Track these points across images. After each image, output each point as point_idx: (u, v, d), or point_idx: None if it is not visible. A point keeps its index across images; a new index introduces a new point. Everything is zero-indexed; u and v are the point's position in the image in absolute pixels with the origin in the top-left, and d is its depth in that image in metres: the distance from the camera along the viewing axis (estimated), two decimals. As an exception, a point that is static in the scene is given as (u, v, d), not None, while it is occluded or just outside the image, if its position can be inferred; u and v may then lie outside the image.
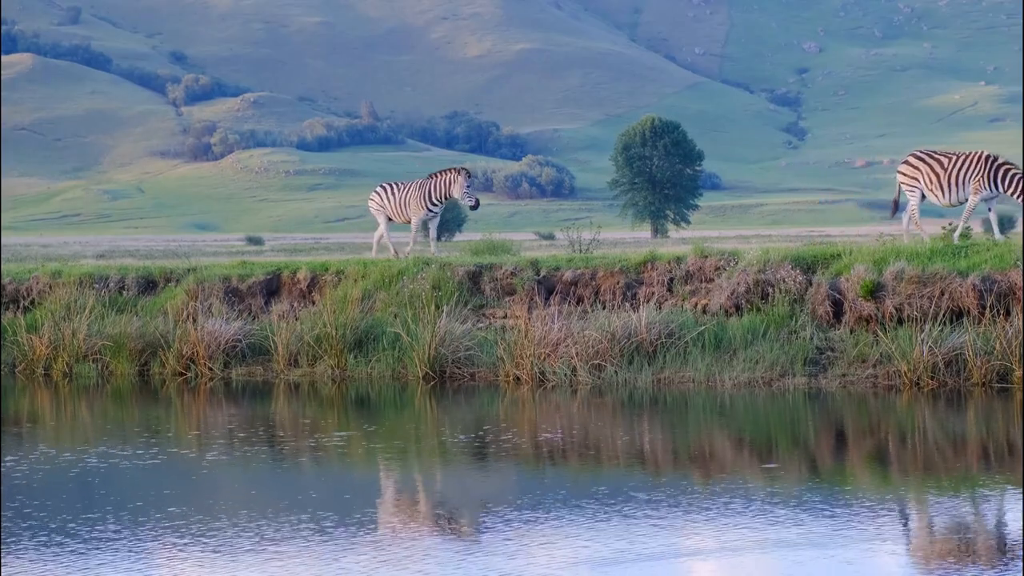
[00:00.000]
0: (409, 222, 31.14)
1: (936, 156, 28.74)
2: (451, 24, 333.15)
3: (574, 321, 26.56)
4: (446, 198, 30.78)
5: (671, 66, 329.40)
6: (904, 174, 29.03)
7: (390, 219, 31.28)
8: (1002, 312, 24.70)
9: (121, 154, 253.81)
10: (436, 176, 30.99)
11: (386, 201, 31.16)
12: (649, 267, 27.70)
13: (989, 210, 28.88)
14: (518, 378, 26.20)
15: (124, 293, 31.02)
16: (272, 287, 30.25)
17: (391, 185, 31.48)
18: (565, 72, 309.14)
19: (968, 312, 24.96)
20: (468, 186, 30.53)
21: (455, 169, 30.83)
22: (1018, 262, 25.25)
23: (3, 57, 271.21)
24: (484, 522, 14.94)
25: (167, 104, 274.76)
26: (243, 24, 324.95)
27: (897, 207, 29.54)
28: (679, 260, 27.55)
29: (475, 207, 30.82)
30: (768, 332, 25.58)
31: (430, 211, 30.73)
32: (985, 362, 24.21)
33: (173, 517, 15.17)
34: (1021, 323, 24.36)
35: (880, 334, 24.88)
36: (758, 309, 26.03)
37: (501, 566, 12.95)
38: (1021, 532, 13.94)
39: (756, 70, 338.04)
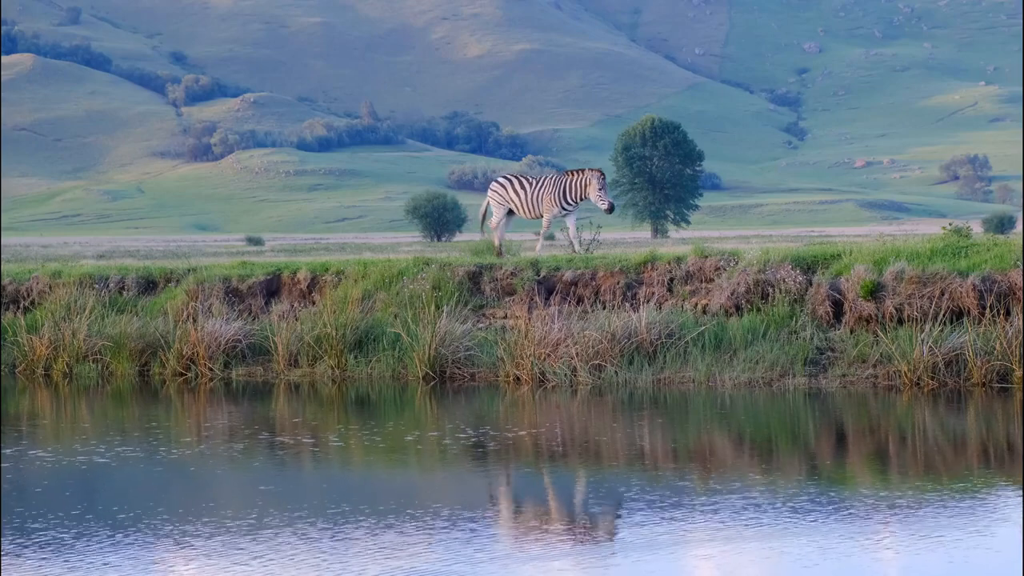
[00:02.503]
0: (538, 217, 31.02)
1: None
2: (451, 24, 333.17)
3: (574, 321, 26.56)
4: (582, 198, 30.70)
5: (671, 66, 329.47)
6: None
7: (511, 212, 31.12)
8: (1002, 312, 24.71)
9: (121, 154, 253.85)
10: (572, 175, 30.78)
11: (511, 195, 30.93)
12: (649, 267, 27.70)
13: None
14: (518, 378, 26.20)
15: (124, 293, 31.02)
16: (272, 287, 30.25)
17: (516, 179, 31.27)
18: (565, 72, 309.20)
19: (968, 312, 24.96)
20: (601, 188, 30.40)
21: (590, 169, 30.73)
22: (1018, 262, 25.25)
23: (3, 57, 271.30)
24: (482, 522, 14.94)
25: (167, 104, 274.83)
26: (243, 24, 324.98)
27: None
28: (679, 260, 27.55)
29: (610, 211, 30.67)
30: (768, 332, 25.58)
31: (564, 209, 30.70)
32: (985, 362, 24.22)
33: (173, 517, 15.18)
34: (1021, 323, 24.36)
35: (880, 334, 24.88)
36: (758, 309, 26.04)
37: (501, 567, 12.95)
38: (1021, 531, 13.94)
39: (756, 70, 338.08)
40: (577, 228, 31.25)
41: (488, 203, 31.67)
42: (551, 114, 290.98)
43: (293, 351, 28.14)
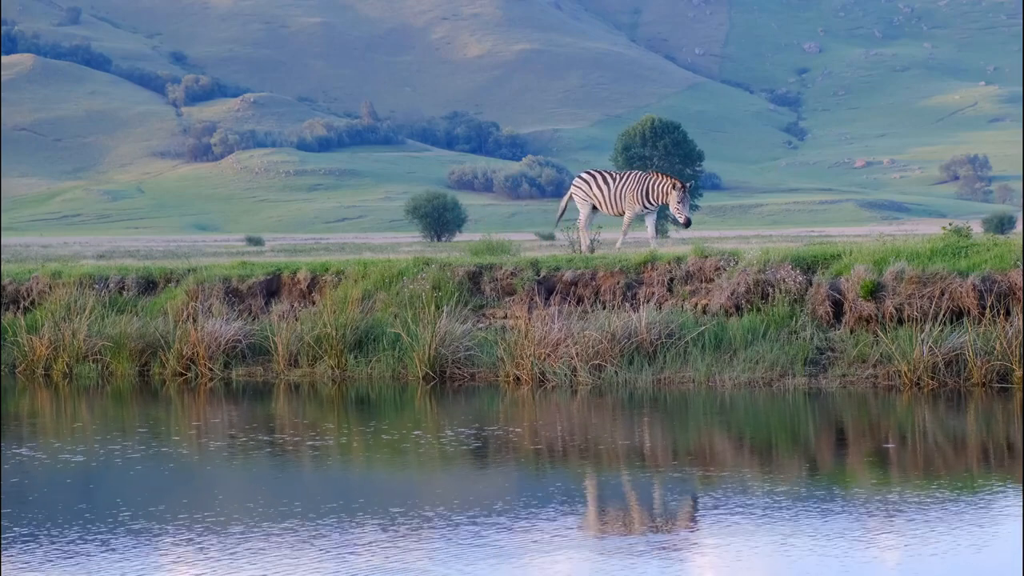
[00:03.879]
0: (620, 214, 30.66)
1: None
2: (451, 24, 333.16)
3: (574, 321, 26.56)
4: (663, 203, 30.36)
5: (671, 66, 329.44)
6: None
7: (595, 208, 30.76)
8: (1002, 312, 24.71)
9: (121, 154, 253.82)
10: (656, 176, 30.39)
11: (595, 190, 30.56)
12: (649, 267, 27.70)
13: None
14: (518, 378, 26.20)
15: (124, 293, 31.02)
16: (272, 287, 30.25)
17: (600, 174, 30.83)
18: (565, 72, 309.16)
19: (968, 312, 24.96)
20: (680, 201, 29.96)
21: (674, 179, 30.27)
22: (1018, 262, 25.25)
23: (3, 57, 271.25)
24: (483, 522, 14.93)
25: (167, 104, 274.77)
26: (243, 24, 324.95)
27: None
28: (679, 260, 27.55)
29: (687, 224, 30.16)
30: (768, 332, 25.58)
31: (646, 208, 30.42)
32: (985, 362, 24.21)
33: (173, 517, 15.17)
34: (1021, 323, 24.36)
35: (880, 334, 24.88)
36: (758, 309, 26.03)
37: (500, 567, 12.95)
38: (1021, 531, 13.94)
39: (756, 70, 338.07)
40: (657, 229, 30.91)
41: (570, 199, 31.25)
42: (551, 114, 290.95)
43: (293, 351, 28.14)
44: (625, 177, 30.64)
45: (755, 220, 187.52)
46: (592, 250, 30.27)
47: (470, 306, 28.01)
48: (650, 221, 31.05)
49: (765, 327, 25.63)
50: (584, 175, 31.24)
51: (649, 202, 30.35)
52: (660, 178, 30.50)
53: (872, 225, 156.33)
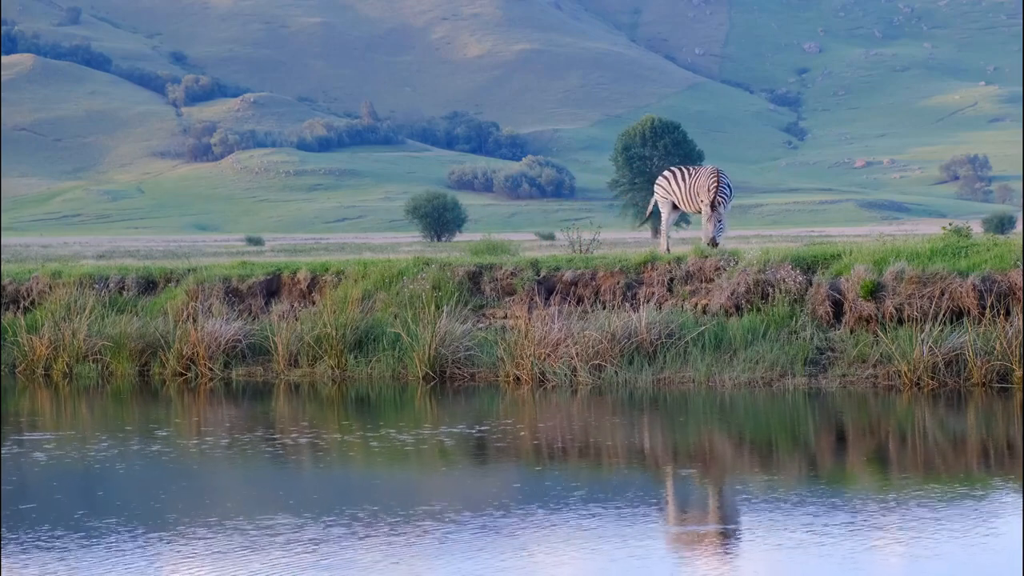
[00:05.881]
0: (698, 211, 29.60)
1: None
2: (451, 24, 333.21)
3: (574, 321, 26.56)
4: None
5: (671, 66, 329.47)
6: None
7: (676, 207, 29.89)
8: (1002, 312, 24.70)
9: (121, 154, 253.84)
10: (713, 172, 29.34)
11: (674, 187, 29.64)
12: (649, 267, 27.69)
13: None
14: (518, 378, 26.20)
15: (124, 293, 31.03)
16: (272, 287, 30.25)
17: (680, 170, 29.82)
18: (565, 72, 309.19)
19: (968, 312, 24.96)
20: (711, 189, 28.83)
21: (715, 170, 29.32)
22: (1018, 262, 25.25)
23: (3, 57, 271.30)
24: (483, 522, 14.93)
25: (167, 104, 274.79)
26: (243, 24, 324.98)
27: None
28: (679, 260, 27.55)
29: (712, 208, 28.83)
30: (768, 332, 25.58)
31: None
32: (985, 362, 24.21)
33: (173, 517, 15.18)
34: (1021, 323, 24.36)
35: (880, 334, 24.88)
36: (758, 309, 26.03)
37: (500, 566, 12.96)
38: (1020, 531, 13.94)
39: (756, 70, 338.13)
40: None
41: (655, 200, 30.36)
42: (551, 114, 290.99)
43: (293, 351, 28.14)
44: (696, 173, 29.75)
45: (755, 220, 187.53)
46: (668, 249, 29.41)
47: (470, 306, 28.01)
48: (704, 218, 30.34)
49: (765, 327, 25.63)
50: (665, 172, 30.21)
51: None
52: (719, 175, 29.79)
53: (872, 225, 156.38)
